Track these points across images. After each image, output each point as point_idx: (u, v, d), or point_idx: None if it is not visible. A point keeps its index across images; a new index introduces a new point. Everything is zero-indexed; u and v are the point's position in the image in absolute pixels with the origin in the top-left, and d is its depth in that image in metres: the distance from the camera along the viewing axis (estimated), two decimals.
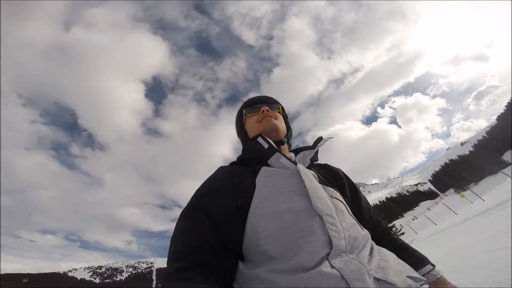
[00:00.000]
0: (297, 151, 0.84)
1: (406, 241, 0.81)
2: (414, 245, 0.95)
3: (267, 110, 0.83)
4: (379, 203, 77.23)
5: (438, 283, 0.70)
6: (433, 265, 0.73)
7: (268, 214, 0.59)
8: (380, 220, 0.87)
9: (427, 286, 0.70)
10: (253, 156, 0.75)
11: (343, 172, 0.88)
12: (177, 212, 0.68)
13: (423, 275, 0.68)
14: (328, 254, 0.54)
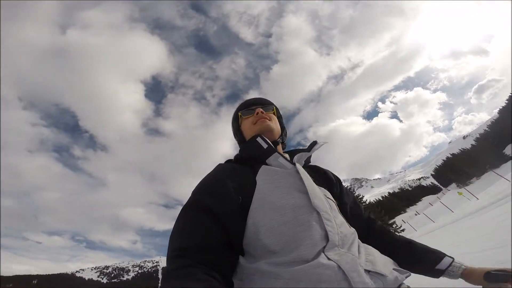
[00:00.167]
0: (291, 153, 0.88)
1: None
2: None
3: (261, 112, 0.86)
4: (381, 199, 77.41)
5: (465, 275, 0.68)
6: (451, 258, 0.71)
7: (269, 209, 0.62)
8: (373, 217, 0.88)
9: (458, 279, 0.69)
10: (253, 155, 0.78)
11: (331, 173, 0.92)
12: None
13: (445, 268, 0.70)
14: (324, 247, 0.57)
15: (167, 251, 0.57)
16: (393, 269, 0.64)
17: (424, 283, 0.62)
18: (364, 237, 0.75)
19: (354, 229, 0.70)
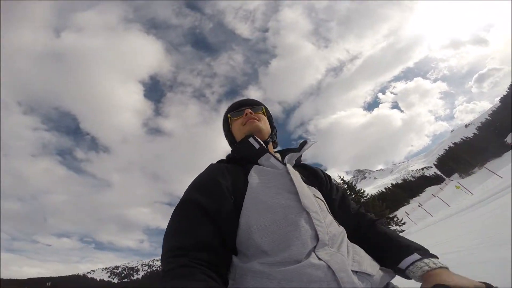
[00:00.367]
0: (282, 152, 0.90)
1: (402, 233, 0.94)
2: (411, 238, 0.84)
3: (250, 113, 0.88)
4: (384, 190, 77.68)
5: (424, 279, 0.58)
6: (423, 255, 0.62)
7: (261, 208, 0.63)
8: (363, 211, 0.86)
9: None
10: (245, 155, 0.80)
11: (321, 170, 0.93)
12: None
13: (405, 268, 0.62)
14: (315, 247, 0.58)
15: (162, 250, 0.56)
16: (380, 268, 0.64)
17: (411, 283, 0.65)
18: (353, 233, 0.75)
19: (342, 228, 0.71)
